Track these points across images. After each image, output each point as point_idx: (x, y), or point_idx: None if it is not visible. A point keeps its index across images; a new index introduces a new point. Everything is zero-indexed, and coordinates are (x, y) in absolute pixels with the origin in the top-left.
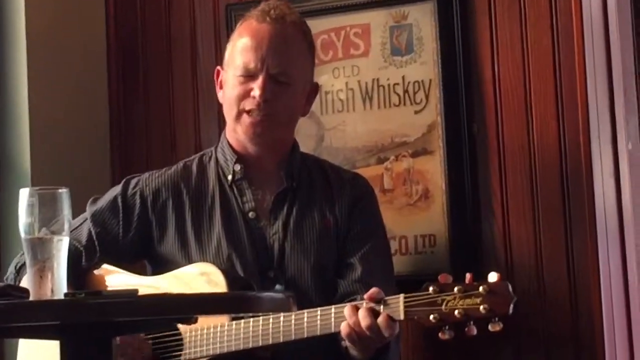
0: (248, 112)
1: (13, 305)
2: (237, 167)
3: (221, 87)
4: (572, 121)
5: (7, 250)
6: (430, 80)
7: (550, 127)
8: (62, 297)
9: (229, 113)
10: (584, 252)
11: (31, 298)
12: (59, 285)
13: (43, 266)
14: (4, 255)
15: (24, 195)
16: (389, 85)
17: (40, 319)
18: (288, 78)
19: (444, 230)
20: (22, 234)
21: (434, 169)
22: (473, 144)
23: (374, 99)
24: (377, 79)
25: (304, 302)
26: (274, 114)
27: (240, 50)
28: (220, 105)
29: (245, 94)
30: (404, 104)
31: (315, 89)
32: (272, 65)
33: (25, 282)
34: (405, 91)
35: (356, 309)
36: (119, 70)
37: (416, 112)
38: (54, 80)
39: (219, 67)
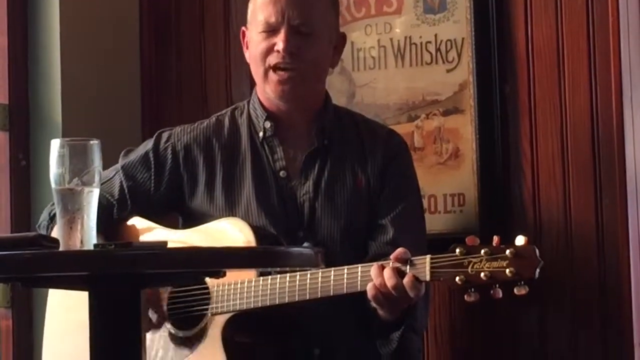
0: (274, 68)
1: (43, 255)
2: (268, 125)
3: (247, 48)
4: (604, 83)
5: (38, 201)
6: (463, 39)
7: (582, 89)
8: (91, 248)
9: (257, 72)
10: (613, 215)
11: (61, 249)
12: (88, 236)
13: (73, 217)
14: (36, 206)
15: (55, 146)
16: (421, 43)
17: (69, 270)
18: (310, 28)
19: (473, 190)
20: (53, 185)
21: (464, 128)
22: (504, 103)
23: (406, 57)
24: (410, 37)
25: (333, 263)
26: (300, 68)
27: (260, 6)
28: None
29: (269, 49)
30: (436, 63)
31: (342, 39)
32: (293, 17)
33: (55, 232)
34: (438, 49)
35: (382, 268)
36: (151, 23)
37: (448, 71)
38: (86, 32)
39: (243, 28)
